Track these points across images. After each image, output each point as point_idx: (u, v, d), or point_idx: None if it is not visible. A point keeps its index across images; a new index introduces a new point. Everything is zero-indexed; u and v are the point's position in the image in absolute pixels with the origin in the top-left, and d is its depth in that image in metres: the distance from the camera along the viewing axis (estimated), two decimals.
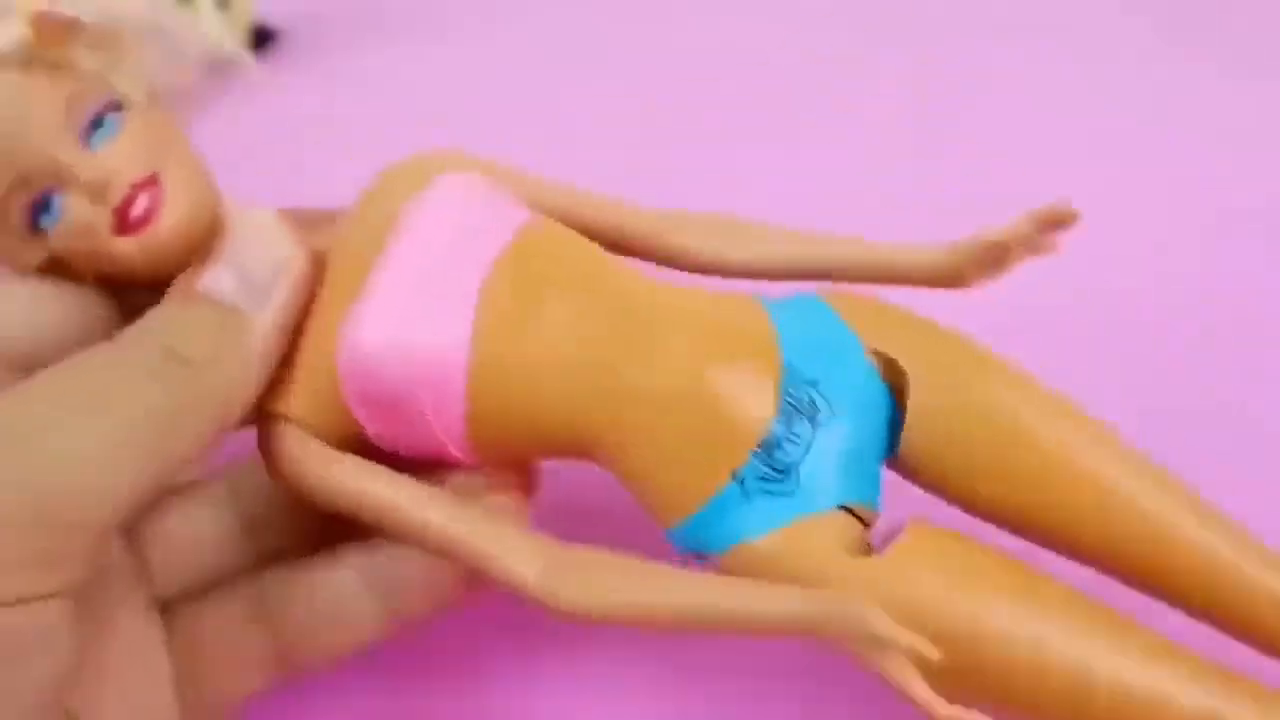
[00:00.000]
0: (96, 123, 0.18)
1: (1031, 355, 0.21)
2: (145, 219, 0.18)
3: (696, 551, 0.19)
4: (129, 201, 0.18)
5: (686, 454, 0.18)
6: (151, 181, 0.18)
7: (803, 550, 0.18)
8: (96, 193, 0.18)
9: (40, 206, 0.18)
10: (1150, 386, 0.28)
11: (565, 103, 0.41)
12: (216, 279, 0.18)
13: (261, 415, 0.19)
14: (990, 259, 0.20)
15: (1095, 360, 0.29)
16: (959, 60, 0.42)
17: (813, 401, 0.19)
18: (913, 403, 0.19)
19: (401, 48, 0.46)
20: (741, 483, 0.18)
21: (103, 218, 0.18)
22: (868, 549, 0.19)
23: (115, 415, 0.16)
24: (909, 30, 0.44)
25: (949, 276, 0.20)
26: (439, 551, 0.19)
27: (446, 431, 0.19)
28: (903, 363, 0.19)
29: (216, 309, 0.18)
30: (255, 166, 0.21)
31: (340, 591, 0.19)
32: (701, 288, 0.21)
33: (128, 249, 0.18)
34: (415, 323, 0.18)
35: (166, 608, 0.19)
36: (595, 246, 0.20)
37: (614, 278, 0.20)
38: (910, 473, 0.20)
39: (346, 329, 0.18)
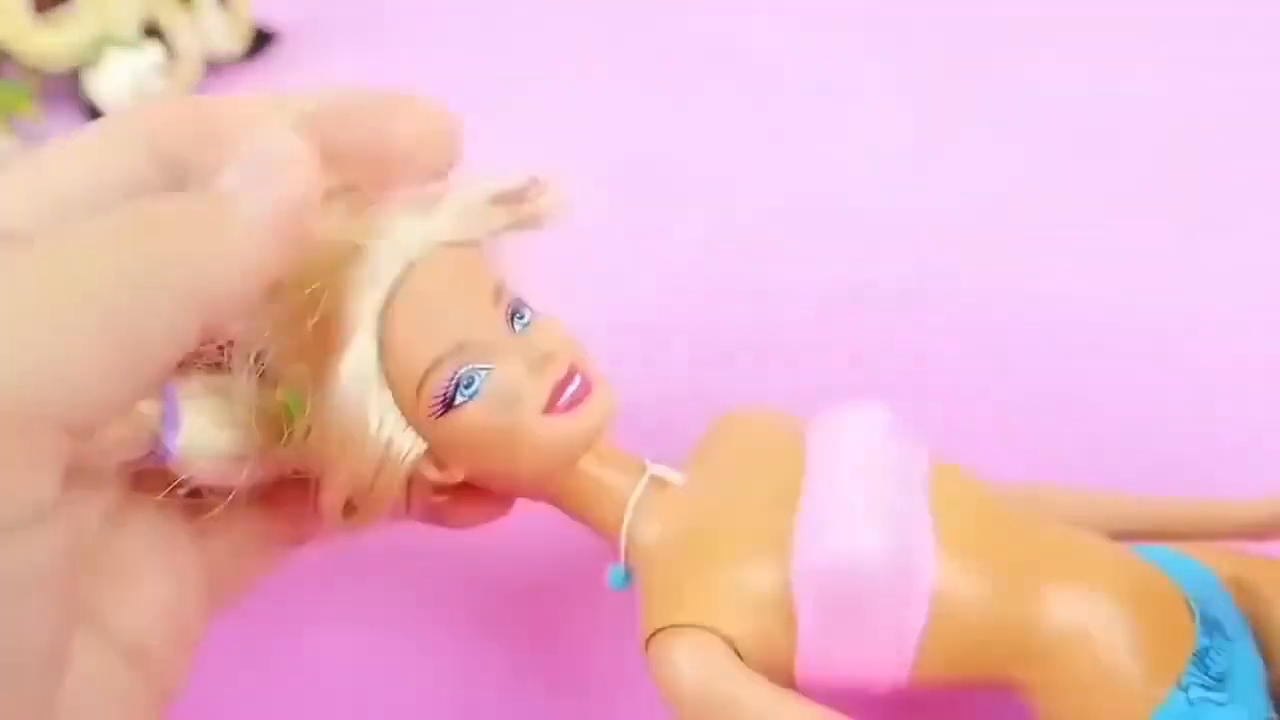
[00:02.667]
0: (518, 313, 0.18)
1: None
2: (579, 398, 0.18)
3: None
4: (567, 380, 0.18)
5: (1124, 669, 0.18)
6: (576, 370, 0.18)
7: None
8: (538, 363, 0.18)
9: (463, 381, 0.17)
10: None
11: (566, 103, 0.41)
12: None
13: (659, 630, 0.18)
14: None
15: None
16: (958, 59, 0.42)
17: (1215, 618, 0.19)
18: None
19: (401, 49, 0.46)
20: (1186, 691, 0.18)
21: (538, 391, 0.18)
22: None
23: (75, 289, 0.13)
24: (909, 30, 0.44)
25: (1272, 529, 0.21)
26: None
27: (899, 646, 0.18)
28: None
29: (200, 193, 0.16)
30: None
31: None
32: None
33: (550, 433, 0.18)
34: (893, 531, 0.18)
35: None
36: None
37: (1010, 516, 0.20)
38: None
39: (815, 536, 0.18)
